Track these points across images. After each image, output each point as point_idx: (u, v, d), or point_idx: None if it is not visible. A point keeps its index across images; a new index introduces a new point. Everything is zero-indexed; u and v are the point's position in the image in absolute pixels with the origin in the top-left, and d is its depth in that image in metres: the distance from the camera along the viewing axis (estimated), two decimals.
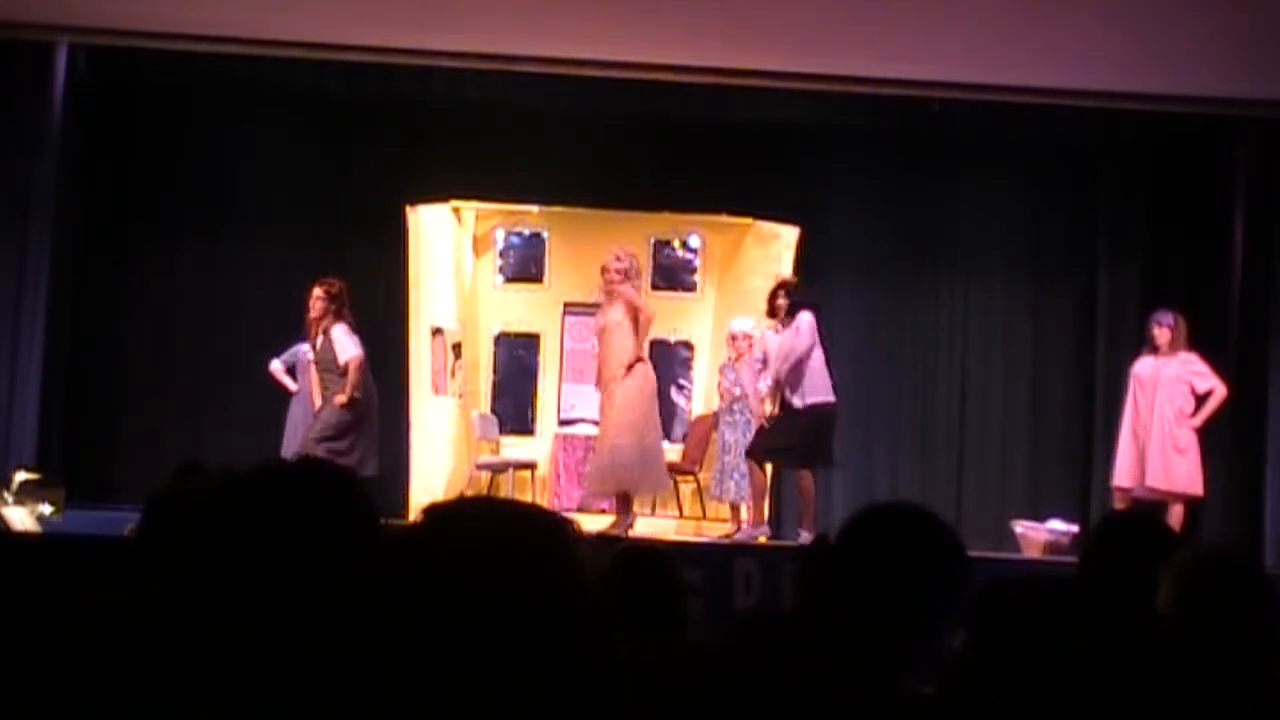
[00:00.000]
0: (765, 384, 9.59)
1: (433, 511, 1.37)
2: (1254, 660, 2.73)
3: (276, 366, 10.63)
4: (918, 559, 2.32)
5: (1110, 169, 11.98)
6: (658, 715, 1.84)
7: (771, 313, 9.66)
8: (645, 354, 9.49)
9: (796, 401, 9.37)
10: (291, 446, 10.04)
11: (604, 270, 9.34)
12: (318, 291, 9.52)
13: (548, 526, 1.34)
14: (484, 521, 1.34)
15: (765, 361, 9.60)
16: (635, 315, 9.24)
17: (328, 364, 9.52)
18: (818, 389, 9.38)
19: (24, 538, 8.12)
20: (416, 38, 10.16)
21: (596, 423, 9.96)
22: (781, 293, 9.64)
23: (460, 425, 11.35)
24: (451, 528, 1.33)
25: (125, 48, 10.40)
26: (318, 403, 9.65)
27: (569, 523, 1.37)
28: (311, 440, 9.39)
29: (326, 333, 9.49)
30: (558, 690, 1.26)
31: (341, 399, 9.44)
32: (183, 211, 11.78)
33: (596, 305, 10.06)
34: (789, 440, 9.31)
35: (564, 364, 11.68)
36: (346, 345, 9.46)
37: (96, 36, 10.44)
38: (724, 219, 11.59)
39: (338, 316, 9.49)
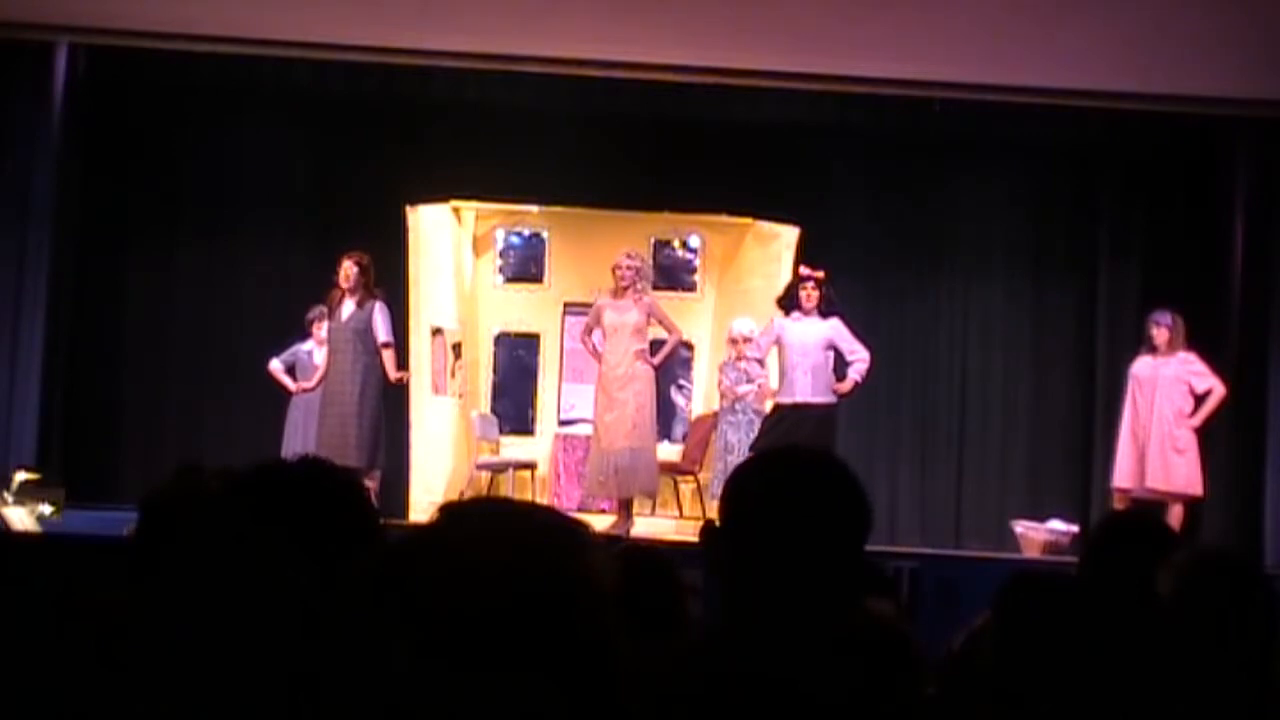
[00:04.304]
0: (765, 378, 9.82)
1: (449, 510, 1.37)
2: (1253, 660, 2.73)
3: (276, 366, 10.63)
4: (800, 504, 2.10)
5: (1110, 169, 11.98)
6: (658, 716, 1.84)
7: (795, 304, 9.71)
8: (648, 355, 9.60)
9: (832, 398, 9.66)
10: (293, 446, 10.05)
11: (616, 267, 9.47)
12: (349, 264, 9.60)
13: (565, 530, 1.34)
14: (501, 522, 1.33)
15: (779, 348, 9.79)
16: (649, 323, 9.53)
17: (360, 333, 9.58)
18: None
19: (24, 538, 8.12)
20: (416, 38, 10.16)
21: (593, 421, 9.98)
22: (813, 284, 9.68)
23: (460, 425, 11.36)
24: (468, 527, 1.33)
25: (125, 48, 10.40)
26: (345, 369, 9.60)
27: (585, 527, 1.37)
28: (360, 415, 9.46)
29: (363, 305, 9.61)
30: (565, 695, 1.26)
31: (405, 375, 9.94)
32: (183, 211, 11.78)
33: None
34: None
35: (564, 364, 11.69)
36: (389, 328, 9.67)
37: (96, 36, 10.44)
38: (724, 219, 11.59)
39: (371, 293, 9.61)
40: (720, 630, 2.11)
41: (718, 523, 2.16)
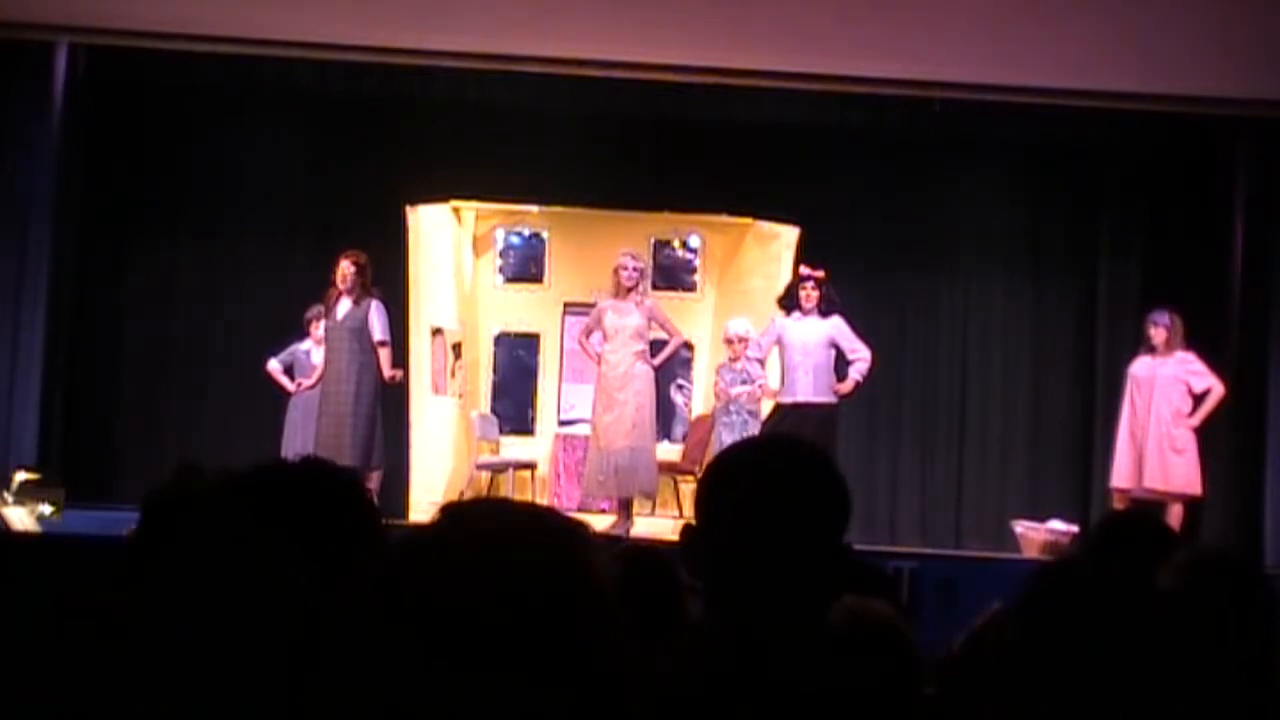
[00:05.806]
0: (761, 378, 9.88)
1: (450, 510, 1.37)
2: (1253, 660, 2.73)
3: (275, 366, 10.63)
4: (776, 491, 2.07)
5: (1110, 169, 11.98)
6: (658, 717, 1.84)
7: (796, 304, 9.77)
8: (648, 356, 9.61)
9: (833, 398, 9.77)
10: (292, 446, 10.05)
11: (621, 268, 9.47)
12: (346, 263, 9.64)
13: (565, 530, 1.34)
14: (501, 522, 1.33)
15: (780, 348, 9.83)
16: (650, 327, 9.55)
17: (355, 332, 9.61)
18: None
19: (24, 538, 8.12)
20: (416, 38, 10.16)
21: (591, 421, 9.99)
22: (813, 284, 9.74)
23: (460, 425, 11.36)
24: (468, 527, 1.33)
25: (125, 48, 10.40)
26: (341, 369, 9.62)
27: (585, 527, 1.37)
28: (356, 414, 9.47)
29: (359, 303, 9.65)
30: (566, 695, 1.25)
31: (397, 374, 9.84)
32: (183, 211, 11.79)
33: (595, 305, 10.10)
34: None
35: (564, 364, 11.69)
36: (386, 326, 9.70)
37: (96, 36, 10.44)
38: (724, 219, 11.60)
39: (368, 292, 9.66)
40: (720, 630, 2.11)
41: (695, 522, 2.14)
